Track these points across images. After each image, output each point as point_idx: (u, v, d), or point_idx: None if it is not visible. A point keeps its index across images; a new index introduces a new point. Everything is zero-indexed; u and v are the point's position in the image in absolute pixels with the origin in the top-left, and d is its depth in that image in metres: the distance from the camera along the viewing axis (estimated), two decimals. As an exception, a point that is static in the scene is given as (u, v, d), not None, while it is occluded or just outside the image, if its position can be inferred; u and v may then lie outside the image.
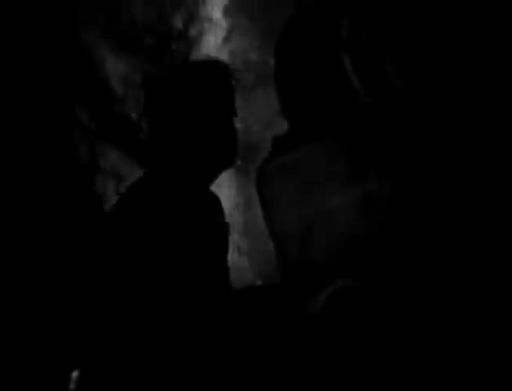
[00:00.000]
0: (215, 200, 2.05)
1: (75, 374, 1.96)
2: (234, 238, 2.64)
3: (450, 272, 1.93)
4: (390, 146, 2.02)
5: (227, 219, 2.06)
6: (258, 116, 2.75)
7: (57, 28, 2.60)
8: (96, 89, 2.70)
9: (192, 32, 2.77)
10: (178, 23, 2.74)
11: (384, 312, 1.92)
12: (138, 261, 1.83)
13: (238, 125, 1.98)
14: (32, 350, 2.26)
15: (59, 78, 2.64)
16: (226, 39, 2.78)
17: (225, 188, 2.74)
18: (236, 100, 1.96)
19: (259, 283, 2.81)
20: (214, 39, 2.77)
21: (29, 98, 2.57)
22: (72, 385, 1.98)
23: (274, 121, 2.49)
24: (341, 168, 2.01)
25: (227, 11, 2.78)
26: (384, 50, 2.06)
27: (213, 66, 1.99)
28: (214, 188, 1.99)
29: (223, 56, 2.72)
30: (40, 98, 2.59)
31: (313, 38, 2.16)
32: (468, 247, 1.95)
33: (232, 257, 2.12)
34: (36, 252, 2.39)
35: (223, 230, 2.06)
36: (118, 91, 2.72)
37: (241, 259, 2.87)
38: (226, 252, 2.06)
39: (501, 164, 1.98)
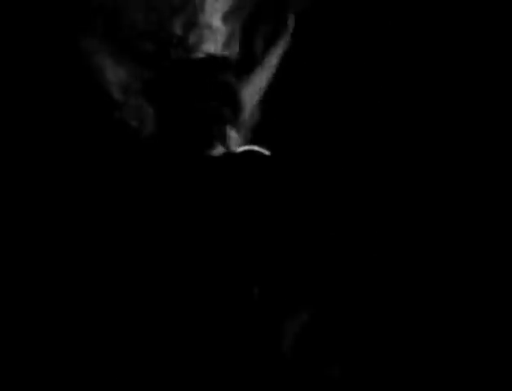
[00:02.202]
0: None
1: None
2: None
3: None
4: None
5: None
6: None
7: (54, 34, 2.60)
8: (94, 95, 2.69)
9: (192, 39, 2.76)
10: (177, 29, 2.74)
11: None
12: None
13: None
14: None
15: (56, 85, 2.64)
16: (225, 46, 2.78)
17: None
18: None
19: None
20: (214, 46, 2.77)
21: (23, 103, 2.57)
22: None
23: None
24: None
25: (226, 18, 2.79)
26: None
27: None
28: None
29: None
30: (35, 104, 2.58)
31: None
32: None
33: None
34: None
35: None
36: (118, 98, 2.70)
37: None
38: None
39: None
